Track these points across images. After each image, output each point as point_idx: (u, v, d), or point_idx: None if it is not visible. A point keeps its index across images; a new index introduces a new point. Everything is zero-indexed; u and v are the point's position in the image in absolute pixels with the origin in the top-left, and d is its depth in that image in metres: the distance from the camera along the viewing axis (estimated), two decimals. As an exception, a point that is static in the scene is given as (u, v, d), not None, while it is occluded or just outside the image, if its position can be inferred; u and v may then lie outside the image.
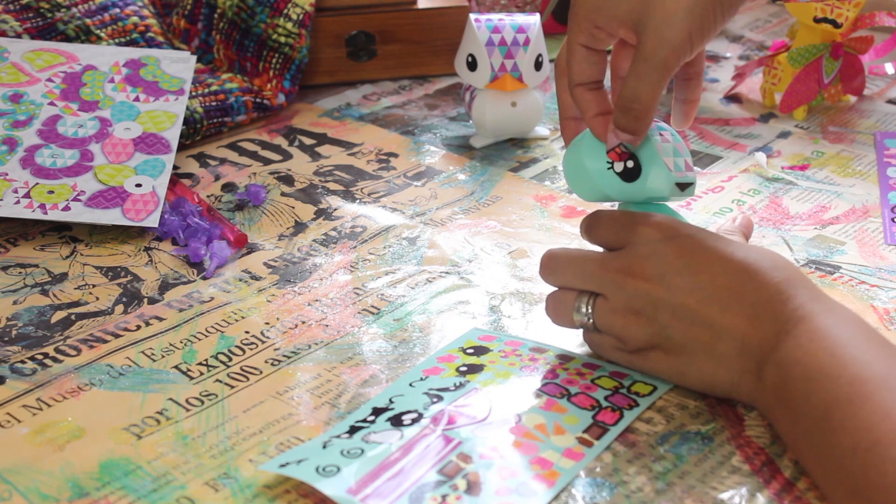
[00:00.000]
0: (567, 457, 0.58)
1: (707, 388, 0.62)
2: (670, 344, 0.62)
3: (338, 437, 0.60)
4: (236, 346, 0.70)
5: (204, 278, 0.77)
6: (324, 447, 0.58)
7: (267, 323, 0.72)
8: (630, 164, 0.65)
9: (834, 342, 0.56)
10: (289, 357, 0.68)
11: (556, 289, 0.67)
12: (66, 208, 0.81)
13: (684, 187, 0.65)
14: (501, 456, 0.58)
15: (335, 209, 0.87)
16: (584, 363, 0.66)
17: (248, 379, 0.66)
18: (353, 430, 0.60)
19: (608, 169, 0.65)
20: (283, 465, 0.57)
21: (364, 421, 0.61)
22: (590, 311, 0.64)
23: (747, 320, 0.59)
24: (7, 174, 0.83)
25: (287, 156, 0.96)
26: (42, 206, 0.81)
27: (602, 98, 0.66)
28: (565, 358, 0.67)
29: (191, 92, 0.97)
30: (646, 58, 0.62)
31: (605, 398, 0.63)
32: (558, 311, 0.66)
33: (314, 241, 0.82)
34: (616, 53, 0.69)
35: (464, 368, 0.66)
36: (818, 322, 0.58)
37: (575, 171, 0.68)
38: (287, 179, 0.92)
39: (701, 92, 0.70)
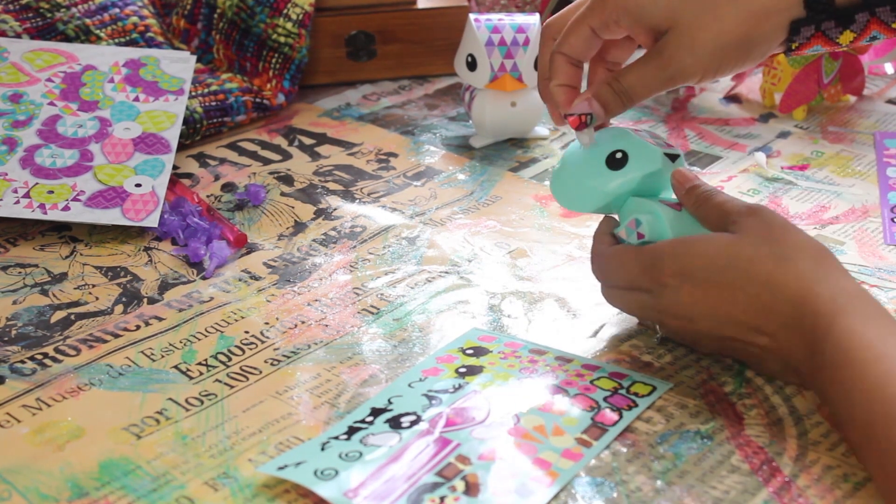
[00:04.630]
0: (566, 457, 0.58)
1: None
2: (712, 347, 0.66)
3: (336, 438, 0.60)
4: (236, 346, 0.70)
5: (203, 278, 0.77)
6: (322, 449, 0.58)
7: (266, 323, 0.72)
8: (619, 155, 0.67)
9: (864, 354, 0.56)
10: (288, 357, 0.68)
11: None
12: (66, 208, 0.81)
13: (674, 158, 0.68)
14: (500, 457, 0.58)
15: (335, 209, 0.87)
16: (584, 364, 0.66)
17: (247, 379, 0.66)
18: (351, 432, 0.60)
19: (603, 169, 0.68)
20: (281, 468, 0.57)
21: (363, 422, 0.61)
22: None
23: (777, 342, 0.61)
24: (7, 174, 0.83)
25: (287, 156, 0.96)
26: (42, 206, 0.81)
27: (575, 74, 0.68)
28: (564, 360, 0.67)
29: (190, 92, 0.97)
30: (660, 67, 0.64)
31: (605, 399, 0.63)
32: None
33: (314, 241, 0.82)
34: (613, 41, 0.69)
35: (463, 370, 0.66)
36: (846, 327, 0.57)
37: (571, 188, 0.70)
38: (287, 179, 0.92)
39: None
